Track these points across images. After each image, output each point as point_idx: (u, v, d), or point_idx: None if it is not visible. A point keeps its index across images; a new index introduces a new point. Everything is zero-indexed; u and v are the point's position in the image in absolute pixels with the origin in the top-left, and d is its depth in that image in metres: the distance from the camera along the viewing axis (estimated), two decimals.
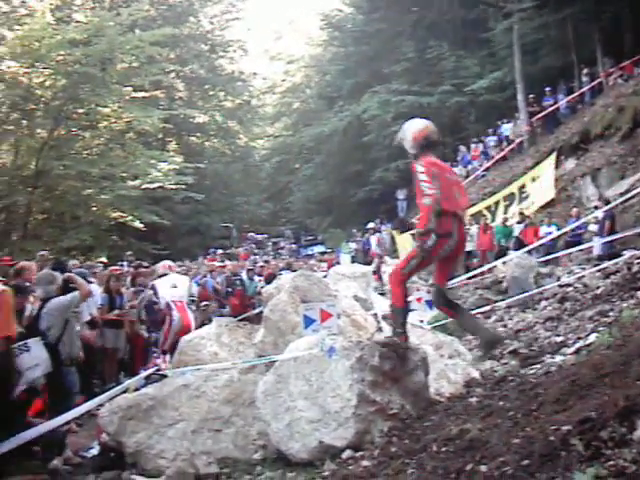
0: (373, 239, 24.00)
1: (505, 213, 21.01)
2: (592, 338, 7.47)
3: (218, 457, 6.31)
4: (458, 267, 5.79)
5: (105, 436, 6.96)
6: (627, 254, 11.67)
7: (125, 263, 18.13)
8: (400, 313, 6.00)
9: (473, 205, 23.50)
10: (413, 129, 6.20)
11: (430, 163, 5.92)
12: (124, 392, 7.28)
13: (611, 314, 8.53)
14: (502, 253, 16.89)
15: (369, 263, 18.93)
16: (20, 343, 6.63)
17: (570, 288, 11.47)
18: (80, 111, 25.42)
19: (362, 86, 35.56)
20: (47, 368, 6.76)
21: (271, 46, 58.11)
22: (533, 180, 21.63)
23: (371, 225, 27.41)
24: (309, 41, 51.94)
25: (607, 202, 15.36)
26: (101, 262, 15.91)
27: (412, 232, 24.42)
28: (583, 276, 11.95)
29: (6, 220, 24.33)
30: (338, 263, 21.29)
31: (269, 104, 53.10)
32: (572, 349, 7.49)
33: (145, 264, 16.57)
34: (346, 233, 34.30)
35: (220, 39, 43.35)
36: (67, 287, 7.64)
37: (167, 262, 12.21)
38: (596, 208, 16.18)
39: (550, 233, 16.34)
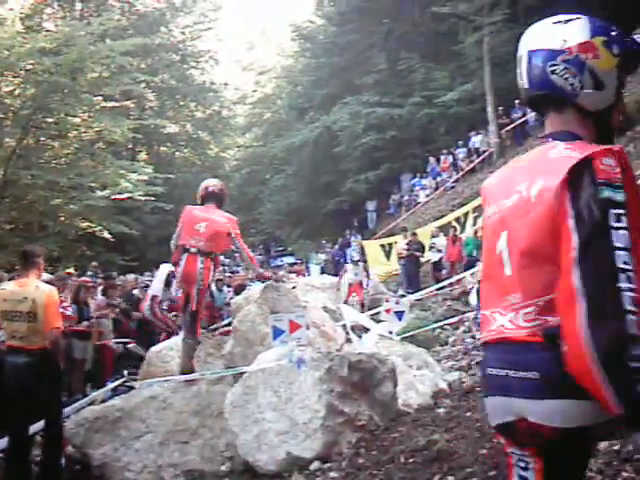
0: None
1: (474, 225, 21.08)
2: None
3: (185, 469, 6.26)
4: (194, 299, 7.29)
5: (71, 448, 6.87)
6: None
7: (91, 273, 17.90)
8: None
9: (442, 216, 23.64)
10: (200, 187, 7.89)
11: (186, 210, 7.65)
12: (91, 404, 7.21)
13: None
14: (471, 264, 16.96)
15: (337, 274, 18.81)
16: None
17: None
18: (49, 120, 25.14)
19: (333, 97, 35.55)
20: None
21: (243, 56, 58.14)
22: None
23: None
24: (281, 52, 51.86)
25: None
26: (68, 273, 15.74)
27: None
28: None
29: None
30: (308, 274, 21.21)
31: (240, 115, 52.90)
32: None
33: (114, 275, 16.39)
34: (316, 244, 34.21)
35: (191, 49, 43.10)
36: None
37: None
38: None
39: None
